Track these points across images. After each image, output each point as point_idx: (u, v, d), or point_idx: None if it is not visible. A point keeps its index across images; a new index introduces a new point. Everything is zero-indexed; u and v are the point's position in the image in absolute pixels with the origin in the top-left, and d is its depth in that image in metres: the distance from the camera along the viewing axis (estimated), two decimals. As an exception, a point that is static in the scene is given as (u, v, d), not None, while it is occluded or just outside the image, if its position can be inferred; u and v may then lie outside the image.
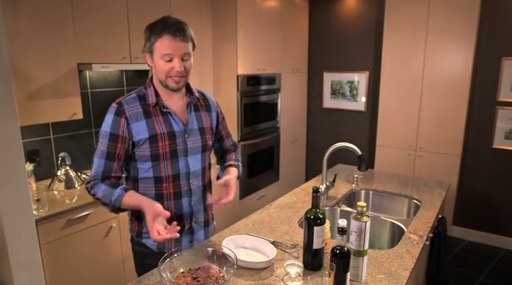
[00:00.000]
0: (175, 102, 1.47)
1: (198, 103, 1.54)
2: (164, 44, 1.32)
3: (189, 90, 1.52)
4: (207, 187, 1.59)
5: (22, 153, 1.73)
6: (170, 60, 1.34)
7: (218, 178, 1.64)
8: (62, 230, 2.12)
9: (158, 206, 1.30)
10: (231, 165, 1.61)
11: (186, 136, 1.46)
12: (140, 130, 1.39)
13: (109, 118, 1.39)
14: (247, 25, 3.39)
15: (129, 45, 2.63)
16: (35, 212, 2.00)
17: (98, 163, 1.40)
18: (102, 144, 1.39)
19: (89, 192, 1.42)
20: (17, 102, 1.72)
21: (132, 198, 1.37)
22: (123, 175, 1.49)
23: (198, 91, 1.57)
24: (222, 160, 1.70)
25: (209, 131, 1.56)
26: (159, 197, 1.45)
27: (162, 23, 1.33)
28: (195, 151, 1.50)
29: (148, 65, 1.42)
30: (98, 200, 1.41)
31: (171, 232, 1.26)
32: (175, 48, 1.32)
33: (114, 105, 1.40)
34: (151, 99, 1.42)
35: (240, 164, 1.66)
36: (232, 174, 1.54)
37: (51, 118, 2.31)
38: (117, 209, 1.40)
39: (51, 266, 2.09)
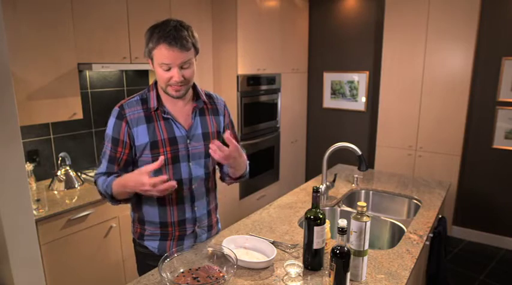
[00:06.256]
0: (180, 108, 1.44)
1: (205, 106, 1.50)
2: (161, 53, 1.27)
3: (196, 93, 1.49)
4: (211, 191, 1.57)
5: (22, 153, 1.73)
6: (168, 69, 1.30)
7: (222, 179, 1.62)
8: (62, 230, 2.12)
9: (141, 170, 1.27)
10: None
11: (188, 141, 1.44)
12: (141, 135, 1.38)
13: (111, 122, 1.39)
14: (247, 25, 3.39)
15: (129, 45, 2.63)
16: (35, 212, 2.00)
17: (103, 163, 1.44)
18: (106, 147, 1.42)
19: (96, 186, 1.45)
20: (17, 102, 1.72)
21: (119, 180, 1.35)
22: None
23: (206, 94, 1.53)
24: (224, 167, 1.58)
25: (214, 136, 1.51)
26: (161, 202, 1.45)
27: (161, 29, 1.26)
28: (198, 157, 1.47)
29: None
30: (101, 194, 1.43)
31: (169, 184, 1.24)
32: (172, 57, 1.27)
33: (116, 109, 1.40)
34: (152, 103, 1.40)
35: (248, 169, 1.57)
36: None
37: (51, 118, 2.30)
38: (112, 198, 1.39)
39: (51, 266, 2.09)
